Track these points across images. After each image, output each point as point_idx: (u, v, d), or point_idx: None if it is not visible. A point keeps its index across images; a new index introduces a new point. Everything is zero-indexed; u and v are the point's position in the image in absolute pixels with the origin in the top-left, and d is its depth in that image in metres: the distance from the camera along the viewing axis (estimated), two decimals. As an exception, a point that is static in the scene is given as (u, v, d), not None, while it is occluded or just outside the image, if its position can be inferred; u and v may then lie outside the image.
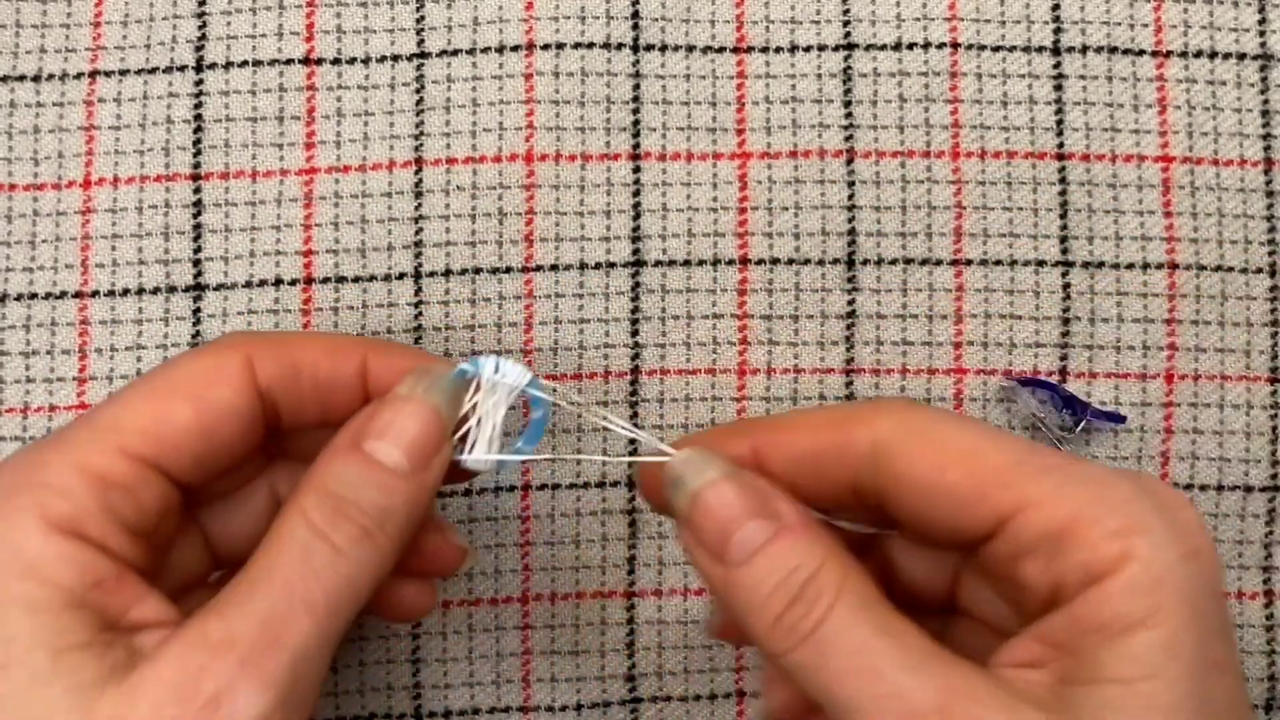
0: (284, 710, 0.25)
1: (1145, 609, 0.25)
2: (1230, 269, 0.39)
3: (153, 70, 0.40)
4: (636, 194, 0.40)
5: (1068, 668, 0.26)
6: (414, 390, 0.29)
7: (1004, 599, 0.28)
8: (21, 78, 0.40)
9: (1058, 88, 0.40)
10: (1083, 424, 0.39)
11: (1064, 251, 0.40)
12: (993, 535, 0.27)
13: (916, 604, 0.30)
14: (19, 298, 0.40)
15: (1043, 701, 0.25)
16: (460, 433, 0.30)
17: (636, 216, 0.40)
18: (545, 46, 0.40)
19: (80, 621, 0.25)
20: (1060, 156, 0.40)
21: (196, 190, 0.40)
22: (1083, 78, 0.40)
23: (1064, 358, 0.39)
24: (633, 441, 0.39)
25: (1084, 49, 0.40)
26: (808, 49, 0.40)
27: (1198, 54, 0.40)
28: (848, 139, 0.40)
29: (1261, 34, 0.40)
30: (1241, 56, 0.40)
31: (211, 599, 0.27)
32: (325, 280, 0.39)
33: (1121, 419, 0.39)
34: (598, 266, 0.40)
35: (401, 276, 0.39)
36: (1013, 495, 0.26)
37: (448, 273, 0.39)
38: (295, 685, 0.26)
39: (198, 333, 0.39)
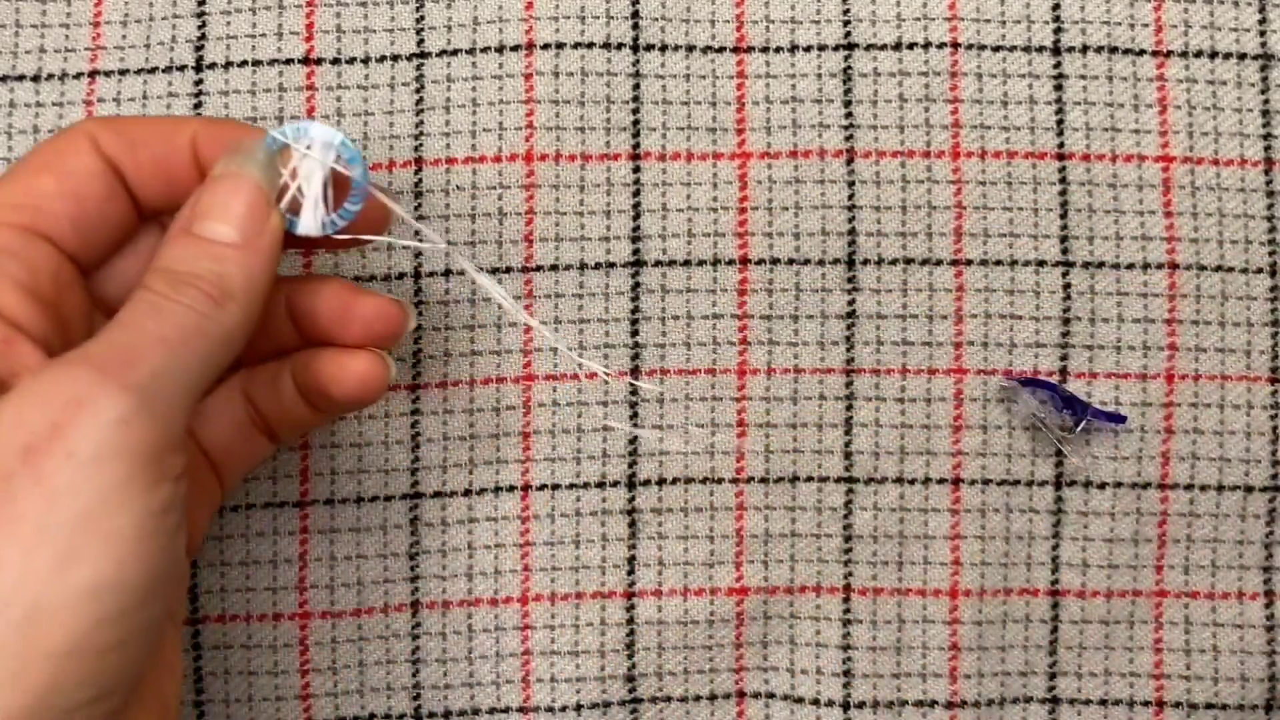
0: (146, 417, 0.26)
1: None
2: (1230, 269, 0.39)
3: (152, 70, 0.40)
4: (636, 194, 0.40)
5: None
6: (229, 166, 0.31)
7: None
8: (21, 77, 0.40)
9: (1058, 87, 0.40)
10: (1083, 424, 0.39)
11: (1064, 251, 0.39)
12: None
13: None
14: (18, 298, 0.39)
15: None
16: (287, 200, 0.31)
17: (636, 216, 0.40)
18: (545, 46, 0.40)
19: None
20: (1060, 156, 0.40)
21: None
22: (1083, 77, 0.40)
23: (1064, 357, 0.39)
24: (633, 427, 0.39)
25: (1084, 49, 0.40)
26: (808, 49, 0.40)
27: (1198, 54, 0.40)
28: (848, 139, 0.40)
29: (1261, 34, 0.40)
30: (1241, 56, 0.40)
31: None
32: (325, 280, 0.39)
33: (1122, 419, 0.39)
34: (598, 266, 0.39)
35: (401, 276, 0.39)
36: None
37: (448, 273, 0.39)
38: (156, 399, 0.26)
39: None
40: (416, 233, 0.38)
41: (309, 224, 0.31)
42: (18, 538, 0.25)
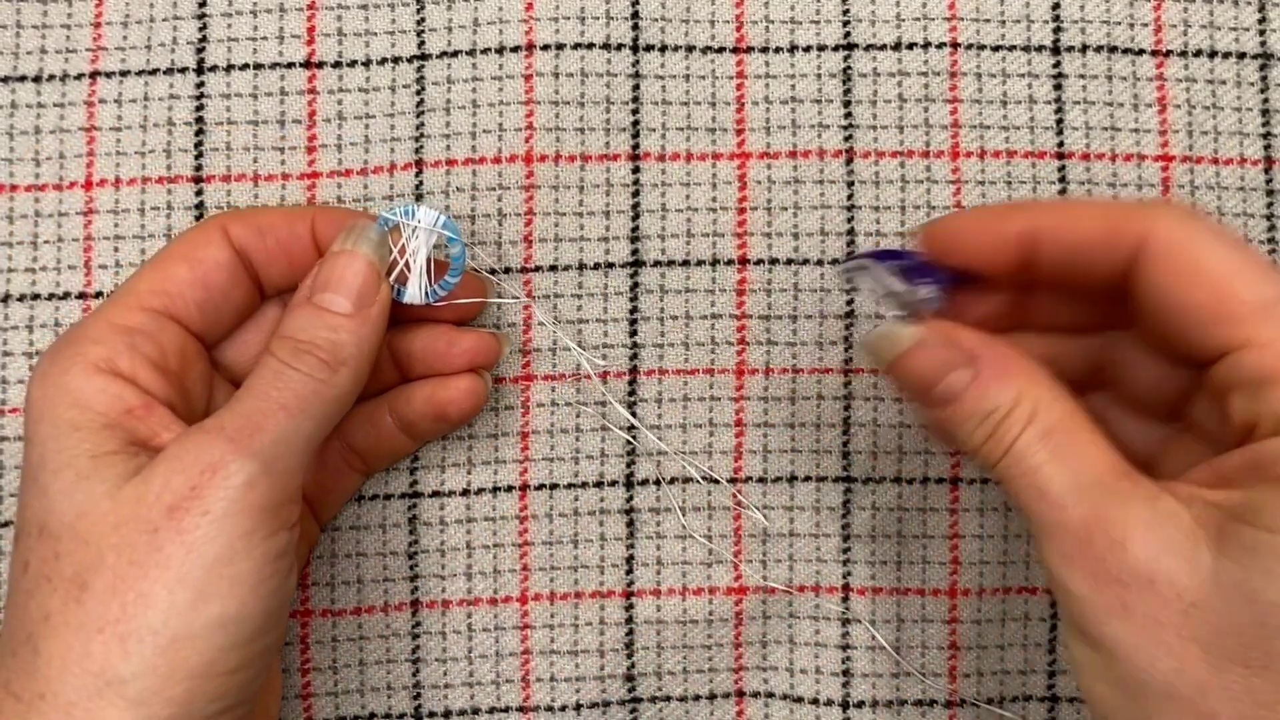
0: (268, 478, 0.31)
1: None
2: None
3: (153, 72, 0.40)
4: (636, 194, 0.40)
5: (1231, 502, 0.28)
6: (345, 244, 0.35)
7: (1223, 423, 0.30)
8: (22, 78, 0.40)
9: (1057, 87, 0.40)
10: (934, 290, 0.34)
11: (1063, 251, 0.39)
12: (1216, 361, 0.30)
13: (1147, 407, 0.34)
14: (21, 298, 0.40)
15: (1191, 531, 0.28)
16: (395, 273, 0.36)
17: (635, 217, 0.40)
18: (545, 47, 0.40)
19: (114, 437, 0.32)
20: (1060, 156, 0.40)
21: (199, 193, 0.40)
22: (1082, 77, 0.40)
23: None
24: (631, 431, 0.39)
25: (1084, 48, 0.40)
26: (807, 49, 0.40)
27: (1198, 53, 0.40)
28: (847, 139, 0.40)
29: (1261, 33, 0.40)
30: (1241, 56, 0.40)
31: None
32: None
33: (976, 279, 0.34)
34: (597, 267, 0.40)
35: (401, 277, 0.40)
36: (1243, 331, 0.29)
37: (447, 273, 0.40)
38: (277, 461, 0.31)
39: (199, 333, 0.40)
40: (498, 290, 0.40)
41: (414, 294, 0.36)
42: (163, 581, 0.30)
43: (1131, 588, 0.28)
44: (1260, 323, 0.29)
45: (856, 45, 0.40)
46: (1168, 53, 0.40)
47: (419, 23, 0.40)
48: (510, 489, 0.40)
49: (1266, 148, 0.40)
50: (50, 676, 0.30)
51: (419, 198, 0.40)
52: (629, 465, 0.40)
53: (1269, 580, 0.27)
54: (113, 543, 0.31)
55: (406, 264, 0.36)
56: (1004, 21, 0.40)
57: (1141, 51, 0.40)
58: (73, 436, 0.32)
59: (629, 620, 0.40)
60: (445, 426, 0.39)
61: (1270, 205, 0.39)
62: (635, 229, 0.40)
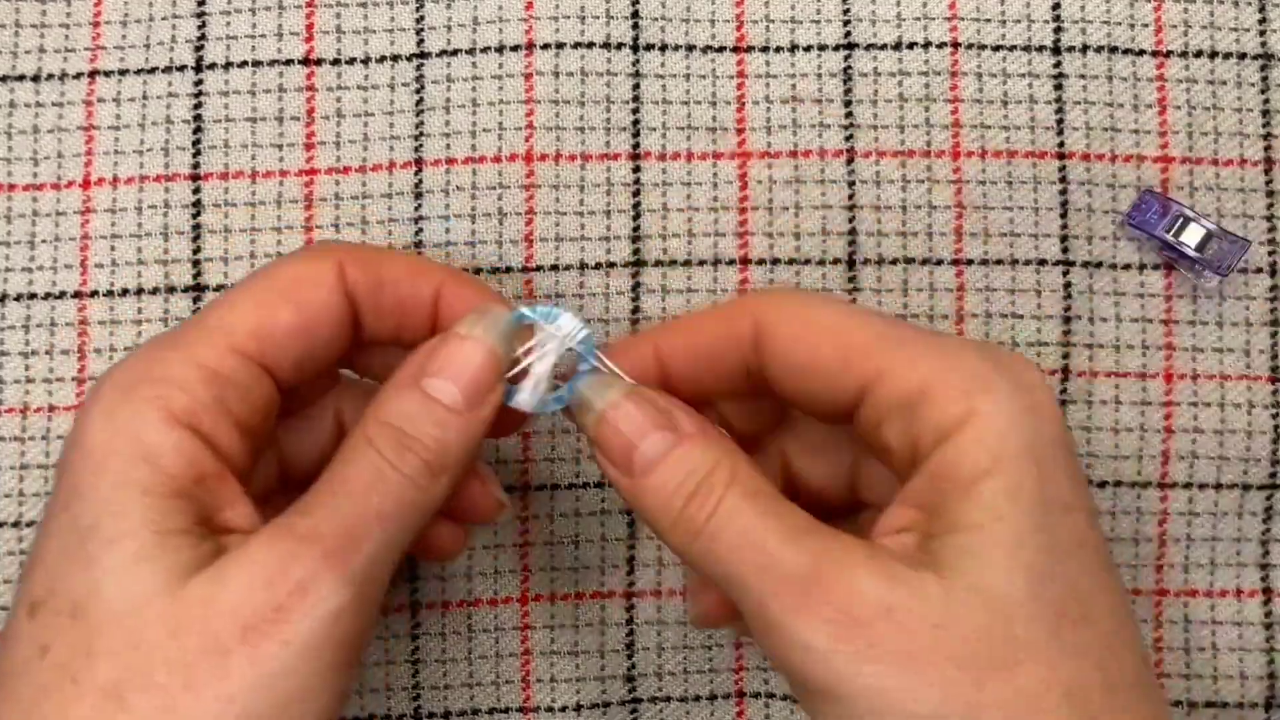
0: (357, 605, 0.27)
1: (990, 459, 0.27)
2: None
3: (152, 70, 0.40)
4: (636, 194, 0.40)
5: (930, 523, 0.28)
6: (473, 330, 0.31)
7: (890, 460, 0.30)
8: (21, 77, 0.40)
9: (1058, 87, 0.40)
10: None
11: (1064, 251, 0.40)
12: (859, 403, 0.30)
13: (823, 508, 0.32)
14: (18, 298, 0.39)
15: (909, 557, 0.28)
16: (511, 374, 0.32)
17: (636, 216, 0.40)
18: (545, 46, 0.40)
19: (183, 509, 0.27)
20: (1060, 156, 0.40)
21: (196, 191, 0.40)
22: (1083, 77, 0.40)
23: (1066, 356, 0.39)
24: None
25: (1084, 48, 0.40)
26: (808, 48, 0.40)
27: (1198, 54, 0.40)
28: (848, 139, 0.40)
29: (1261, 34, 0.40)
30: (1241, 56, 0.40)
31: (290, 506, 0.29)
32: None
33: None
34: (598, 266, 0.39)
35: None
36: (874, 364, 0.29)
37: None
38: (368, 585, 0.28)
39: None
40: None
41: (526, 399, 0.32)
42: (223, 716, 0.26)
43: (874, 624, 0.26)
44: (885, 352, 0.29)
45: (857, 45, 0.40)
46: (1168, 53, 0.40)
47: (418, 21, 0.40)
48: (511, 489, 0.39)
49: (1267, 149, 0.40)
50: None
51: (419, 196, 0.39)
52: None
53: (988, 570, 0.27)
54: (168, 655, 0.26)
55: (527, 367, 0.32)
56: (1004, 21, 0.40)
57: (1142, 52, 0.40)
58: (140, 502, 0.27)
59: (630, 621, 0.40)
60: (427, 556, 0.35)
61: (1270, 206, 0.40)
62: (636, 229, 0.40)
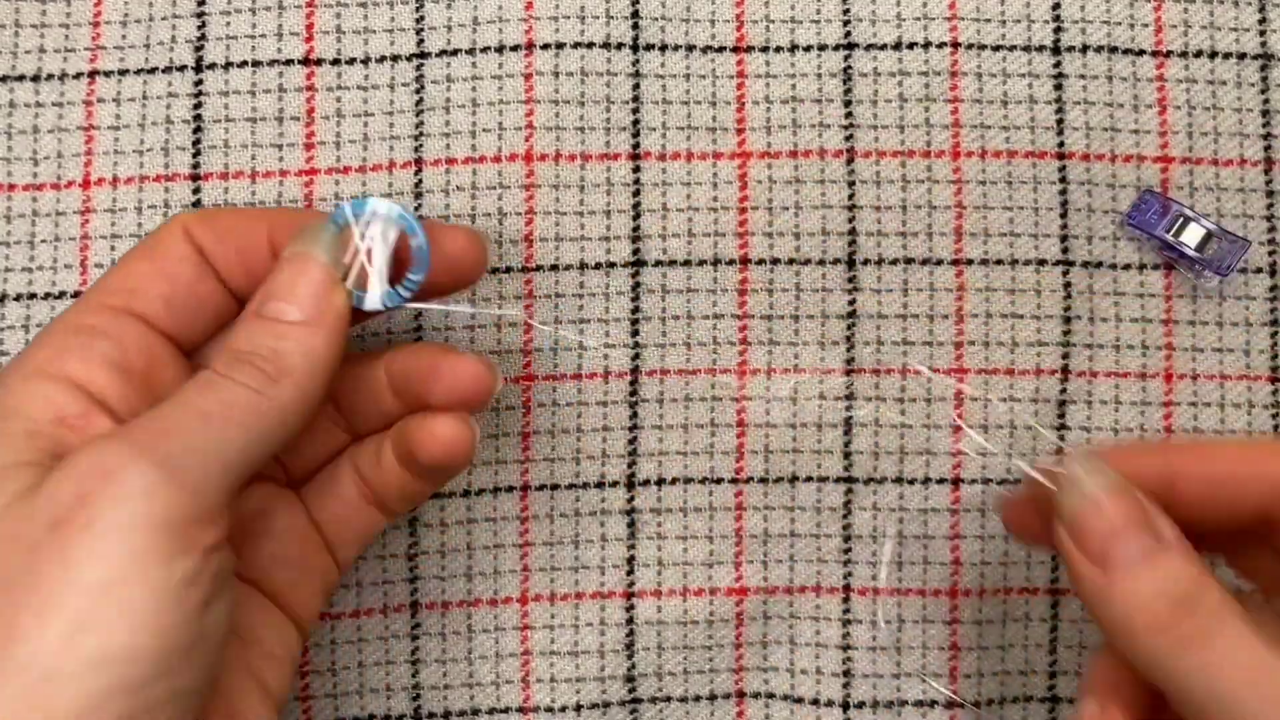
0: (172, 490, 0.27)
1: None
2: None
3: (152, 70, 0.40)
4: (636, 194, 0.40)
5: None
6: (296, 248, 0.31)
7: None
8: (21, 77, 0.40)
9: (1058, 87, 0.40)
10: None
11: (1064, 251, 0.39)
12: None
13: None
14: (18, 298, 0.39)
15: None
16: (353, 276, 0.32)
17: (636, 216, 0.40)
18: (545, 46, 0.40)
19: (32, 447, 0.28)
20: (1060, 156, 0.40)
21: (196, 190, 0.40)
22: (1083, 77, 0.40)
23: (1066, 356, 0.39)
24: (633, 432, 0.39)
25: (1084, 48, 0.40)
26: (808, 48, 0.40)
27: (1198, 54, 0.40)
28: (848, 139, 0.40)
29: (1261, 34, 0.40)
30: (1241, 56, 0.40)
31: None
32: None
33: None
34: (598, 266, 0.39)
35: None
36: None
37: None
38: (187, 472, 0.27)
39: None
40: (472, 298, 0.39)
41: (374, 300, 0.32)
42: (33, 607, 0.25)
43: None
44: None
45: (857, 45, 0.40)
46: (1168, 53, 0.40)
47: (418, 21, 0.40)
48: (511, 489, 0.39)
49: (1267, 149, 0.40)
50: None
51: (419, 196, 0.39)
52: (630, 466, 0.39)
53: None
54: None
55: (363, 265, 0.32)
56: (1004, 21, 0.40)
57: (1142, 52, 0.40)
58: None
59: (629, 621, 0.40)
60: (434, 474, 0.35)
61: (1270, 206, 0.40)
62: (636, 228, 0.40)
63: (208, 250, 0.32)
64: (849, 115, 0.40)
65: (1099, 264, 0.39)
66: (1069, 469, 0.30)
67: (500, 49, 0.40)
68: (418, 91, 0.40)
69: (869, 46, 0.40)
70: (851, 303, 0.40)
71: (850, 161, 0.40)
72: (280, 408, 0.29)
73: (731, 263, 0.40)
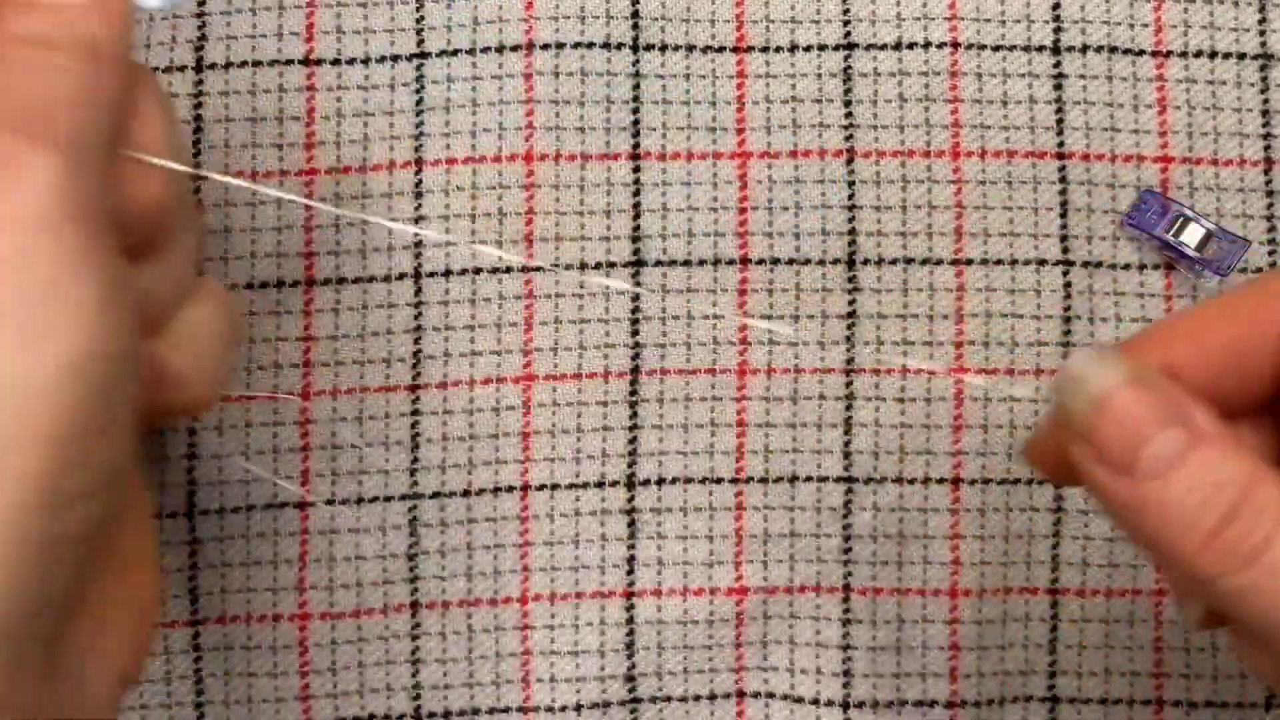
0: (82, 177, 0.24)
1: None
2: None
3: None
4: (636, 194, 0.40)
5: None
6: None
7: None
8: (21, 77, 0.40)
9: (1058, 87, 0.40)
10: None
11: (1064, 251, 0.40)
12: None
13: None
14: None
15: None
16: None
17: (636, 216, 0.40)
18: (545, 46, 0.40)
19: None
20: (1060, 156, 0.40)
21: (196, 191, 0.40)
22: (1083, 77, 0.40)
23: (1065, 356, 0.39)
24: (633, 432, 0.39)
25: (1084, 49, 0.40)
26: (808, 48, 0.40)
27: (1198, 54, 0.40)
28: (848, 139, 0.40)
29: (1261, 34, 0.40)
30: (1241, 56, 0.40)
31: None
32: (326, 282, 0.39)
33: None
34: (598, 266, 0.39)
35: (401, 277, 0.39)
36: None
37: (448, 273, 0.39)
38: (84, 158, 0.24)
39: (197, 333, 0.39)
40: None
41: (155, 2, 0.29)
42: None
43: None
44: None
45: (857, 45, 0.40)
46: (1168, 53, 0.40)
47: (418, 21, 0.40)
48: (511, 489, 0.39)
49: (1266, 149, 0.40)
50: None
51: (419, 196, 0.39)
52: (630, 465, 0.39)
53: None
54: None
55: None
56: (1004, 21, 0.40)
57: (1142, 52, 0.40)
58: None
59: (630, 620, 0.40)
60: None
61: (1270, 206, 0.40)
62: (636, 228, 0.40)
63: None
64: (849, 115, 0.40)
65: (1099, 264, 0.39)
66: (1075, 370, 0.26)
67: (500, 49, 0.40)
68: (418, 91, 0.40)
69: (869, 46, 0.40)
70: (852, 303, 0.40)
71: (850, 161, 0.40)
72: (111, 97, 0.25)
73: (731, 263, 0.40)
